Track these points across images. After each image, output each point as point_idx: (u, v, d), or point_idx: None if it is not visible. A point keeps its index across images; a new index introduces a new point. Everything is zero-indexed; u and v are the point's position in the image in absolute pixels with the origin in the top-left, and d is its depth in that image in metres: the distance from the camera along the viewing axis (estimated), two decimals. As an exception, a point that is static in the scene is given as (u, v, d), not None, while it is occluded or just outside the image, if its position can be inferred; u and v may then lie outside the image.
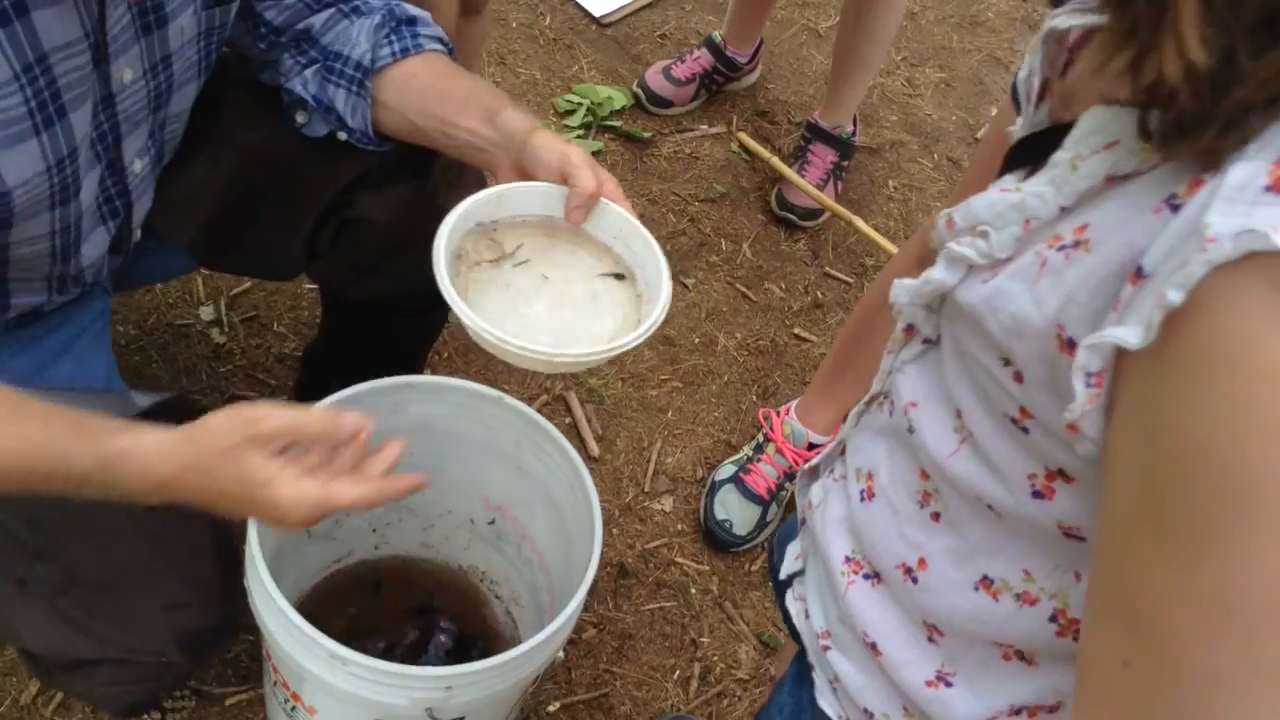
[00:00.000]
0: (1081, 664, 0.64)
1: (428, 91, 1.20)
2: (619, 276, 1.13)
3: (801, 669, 0.95)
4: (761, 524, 1.82)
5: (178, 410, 1.22)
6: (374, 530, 1.51)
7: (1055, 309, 0.62)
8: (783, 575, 0.99)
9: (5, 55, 0.92)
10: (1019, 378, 0.66)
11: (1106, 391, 0.58)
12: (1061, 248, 0.63)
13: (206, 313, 1.90)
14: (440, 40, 1.25)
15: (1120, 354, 0.56)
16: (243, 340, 1.88)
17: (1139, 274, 0.56)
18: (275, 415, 0.90)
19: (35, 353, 1.22)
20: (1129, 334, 0.54)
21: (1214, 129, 0.54)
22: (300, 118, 1.26)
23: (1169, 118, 0.57)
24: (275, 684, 1.25)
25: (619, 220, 1.12)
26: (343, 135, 1.25)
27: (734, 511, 1.81)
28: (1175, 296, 0.52)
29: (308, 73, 1.23)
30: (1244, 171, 0.52)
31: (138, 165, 1.16)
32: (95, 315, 1.30)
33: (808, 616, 0.92)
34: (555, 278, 1.12)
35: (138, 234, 1.25)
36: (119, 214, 1.18)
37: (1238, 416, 0.51)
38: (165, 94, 1.14)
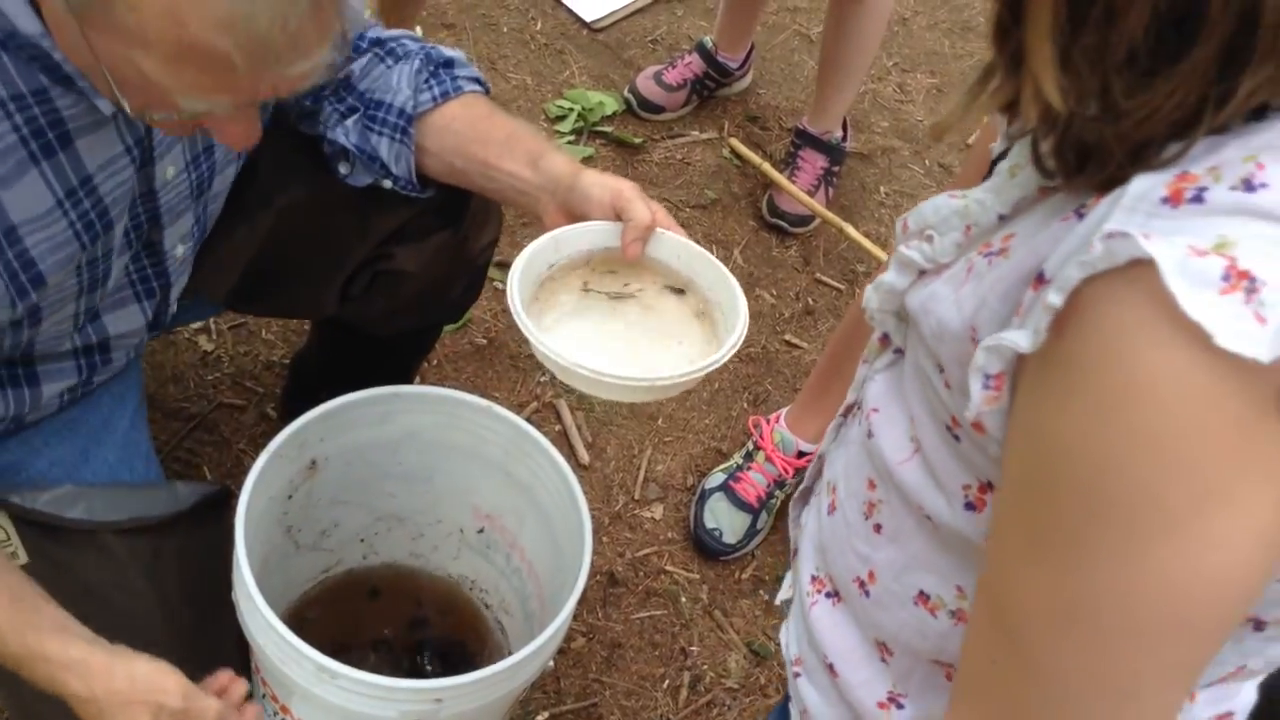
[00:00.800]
0: (960, 657, 0.65)
1: (468, 134, 1.20)
2: (678, 291, 1.14)
3: (785, 701, 0.95)
4: (751, 532, 1.81)
5: (219, 503, 1.24)
6: (362, 540, 1.50)
7: (970, 313, 0.62)
8: (777, 600, 0.99)
9: (49, 185, 0.94)
10: (948, 384, 0.66)
11: (1007, 394, 0.58)
12: (988, 254, 0.63)
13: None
14: (477, 80, 1.25)
15: (1019, 357, 0.56)
16: (231, 348, 1.87)
17: (1040, 279, 0.56)
18: (185, 698, 1.02)
19: (76, 437, 1.23)
20: (1021, 338, 0.55)
21: (1113, 163, 0.54)
22: (343, 169, 1.25)
23: (1055, 153, 0.57)
24: (264, 696, 1.25)
25: (678, 246, 1.13)
26: (387, 183, 1.24)
27: (723, 520, 1.80)
28: (1055, 299, 0.52)
29: (349, 122, 1.21)
30: (1144, 183, 0.52)
31: (180, 250, 1.17)
32: (131, 384, 1.31)
33: (788, 644, 0.92)
34: (626, 305, 1.14)
35: (174, 307, 1.26)
36: (155, 294, 1.18)
37: (1105, 426, 0.51)
38: (208, 180, 1.15)
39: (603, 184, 1.12)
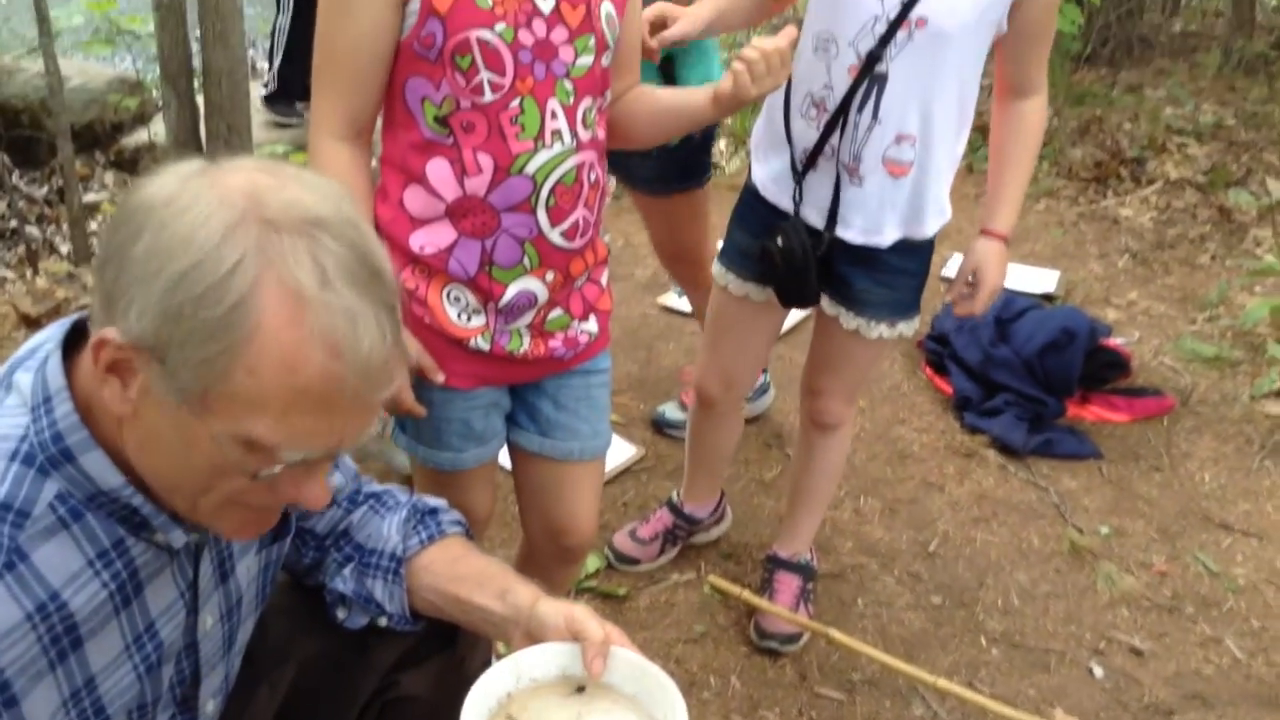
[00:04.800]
0: None
1: (445, 574, 1.35)
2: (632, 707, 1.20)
3: None
4: None
5: None
6: None
7: None
8: None
9: (122, 632, 1.05)
10: None
11: None
12: None
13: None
14: (459, 523, 1.42)
15: None
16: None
17: None
18: None
19: None
20: None
21: None
22: (340, 613, 1.37)
23: None
24: None
25: (629, 663, 1.21)
26: (382, 621, 1.36)
27: None
28: None
29: (345, 571, 1.36)
30: None
31: (210, 706, 1.25)
32: None
33: None
34: None
35: None
36: None
37: None
38: (236, 632, 1.27)
39: (557, 610, 1.24)
